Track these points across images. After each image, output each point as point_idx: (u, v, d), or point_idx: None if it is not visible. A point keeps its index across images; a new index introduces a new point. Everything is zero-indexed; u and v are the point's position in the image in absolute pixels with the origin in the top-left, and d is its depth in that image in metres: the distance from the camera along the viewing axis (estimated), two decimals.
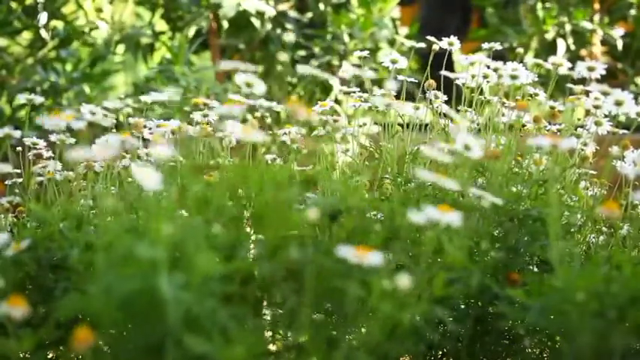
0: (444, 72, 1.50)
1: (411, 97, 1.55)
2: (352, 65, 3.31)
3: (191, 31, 3.33)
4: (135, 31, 3.35)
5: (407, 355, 1.30)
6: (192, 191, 1.14)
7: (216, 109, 1.22)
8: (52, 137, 1.46)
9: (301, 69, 1.26)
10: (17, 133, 1.43)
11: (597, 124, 1.46)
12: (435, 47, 1.54)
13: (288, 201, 1.13)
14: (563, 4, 3.58)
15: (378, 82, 3.03)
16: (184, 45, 3.02)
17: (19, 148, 1.52)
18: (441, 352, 1.36)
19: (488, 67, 1.48)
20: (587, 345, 1.08)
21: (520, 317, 1.23)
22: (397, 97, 1.53)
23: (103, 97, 3.27)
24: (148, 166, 1.05)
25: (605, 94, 1.33)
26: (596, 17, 3.62)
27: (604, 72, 1.38)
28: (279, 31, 3.35)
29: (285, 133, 1.54)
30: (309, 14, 3.45)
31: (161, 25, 3.47)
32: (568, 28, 3.53)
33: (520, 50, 1.72)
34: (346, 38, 3.34)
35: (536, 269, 1.34)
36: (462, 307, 1.31)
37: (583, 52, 3.55)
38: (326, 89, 3.23)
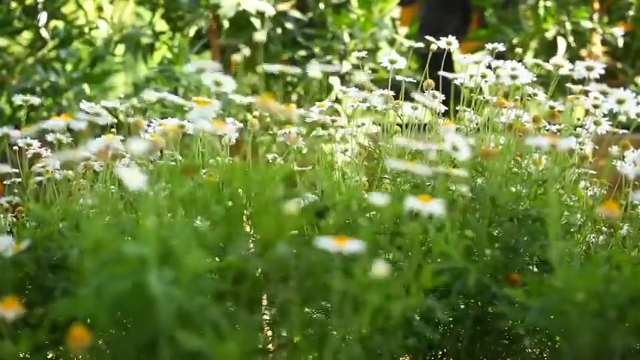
0: (442, 72, 1.50)
1: (410, 97, 1.54)
2: (352, 65, 3.32)
3: (191, 31, 3.33)
4: (135, 31, 3.36)
5: (406, 355, 1.30)
6: (179, 191, 1.14)
7: (190, 112, 1.22)
8: (49, 137, 1.46)
9: (311, 70, 1.26)
10: (16, 133, 1.43)
11: (596, 123, 1.46)
12: (434, 47, 1.54)
13: (277, 199, 1.13)
14: (562, 3, 3.58)
15: (378, 83, 3.03)
16: (185, 45, 3.02)
17: (16, 147, 1.52)
18: (441, 352, 1.36)
19: (489, 67, 1.48)
20: (587, 345, 1.08)
21: (520, 317, 1.23)
22: (396, 97, 1.53)
23: (103, 97, 3.27)
24: (135, 166, 1.05)
25: (604, 93, 1.33)
26: (596, 17, 3.62)
27: (603, 71, 1.38)
28: (279, 30, 3.35)
29: (284, 133, 1.54)
30: (310, 14, 3.46)
31: (161, 25, 3.47)
32: (568, 27, 3.53)
33: (519, 50, 1.72)
34: (346, 38, 3.34)
35: (536, 269, 1.34)
36: (462, 307, 1.31)
37: (583, 51, 3.56)
38: (326, 89, 3.23)
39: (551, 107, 1.52)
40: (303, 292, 1.07)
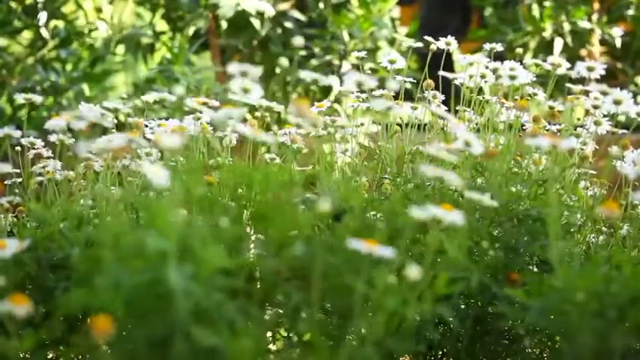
0: (442, 72, 1.50)
1: (410, 97, 1.55)
2: (352, 65, 3.32)
3: (191, 31, 3.33)
4: (135, 31, 3.35)
5: (407, 355, 1.30)
6: (196, 190, 1.14)
7: (216, 113, 1.22)
8: (52, 137, 1.46)
9: (303, 74, 1.26)
10: (17, 133, 1.43)
11: (596, 123, 1.46)
12: (434, 47, 1.54)
13: (292, 200, 1.13)
14: (560, 3, 3.58)
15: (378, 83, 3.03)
16: (184, 45, 3.02)
17: (18, 148, 1.52)
18: (441, 352, 1.36)
19: (487, 67, 1.48)
20: (587, 345, 1.09)
21: (520, 317, 1.23)
22: (396, 97, 1.53)
23: (103, 97, 3.27)
24: (156, 164, 1.05)
25: (604, 93, 1.33)
26: (595, 17, 3.62)
27: (603, 72, 1.38)
28: (279, 30, 3.35)
29: (285, 133, 1.54)
30: (309, 14, 3.45)
31: (161, 25, 3.47)
32: (566, 27, 3.53)
33: (519, 50, 1.72)
34: (346, 38, 3.34)
35: (536, 269, 1.34)
36: (462, 307, 1.31)
37: (582, 51, 3.56)
38: (326, 89, 3.23)
39: (551, 107, 1.52)
40: (318, 293, 1.08)
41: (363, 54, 1.59)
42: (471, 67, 1.50)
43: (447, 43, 1.55)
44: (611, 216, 1.15)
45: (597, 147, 1.53)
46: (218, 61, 3.38)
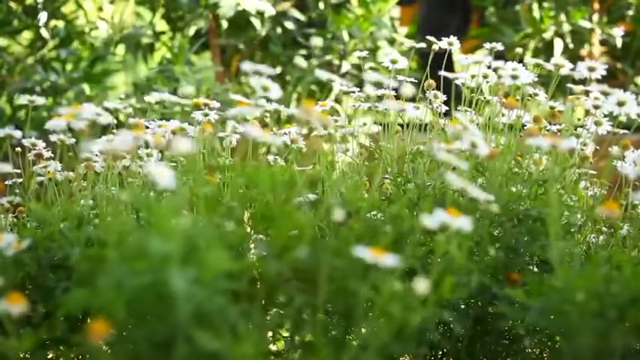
0: (443, 72, 1.50)
1: (410, 97, 1.54)
2: (352, 65, 3.32)
3: (191, 31, 3.33)
4: (135, 30, 3.35)
5: (407, 355, 1.30)
6: (202, 191, 1.14)
7: (229, 111, 1.22)
8: (52, 137, 1.46)
9: (319, 74, 1.26)
10: (18, 133, 1.43)
11: (597, 123, 1.46)
12: (435, 47, 1.54)
13: (296, 202, 1.13)
14: (560, 3, 3.57)
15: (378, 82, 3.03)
16: (184, 45, 3.02)
17: (18, 149, 1.52)
18: (441, 352, 1.36)
19: (489, 66, 1.48)
20: (587, 345, 1.09)
21: (520, 317, 1.23)
22: (397, 97, 1.53)
23: (103, 97, 3.27)
24: (162, 165, 1.05)
25: (605, 94, 1.33)
26: (595, 17, 3.62)
27: (604, 72, 1.38)
28: (279, 30, 3.35)
29: (285, 133, 1.54)
30: (309, 14, 3.45)
31: (161, 25, 3.47)
32: (566, 27, 3.53)
33: (519, 50, 1.72)
34: (346, 38, 3.34)
35: (536, 269, 1.34)
36: (462, 307, 1.31)
37: (583, 52, 3.55)
38: (326, 89, 3.23)
39: (552, 107, 1.52)
40: (322, 296, 1.07)
41: (364, 54, 1.59)
42: (472, 67, 1.50)
43: (450, 43, 1.55)
44: (612, 216, 1.15)
45: (598, 147, 1.53)
46: (218, 61, 3.38)
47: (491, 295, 1.26)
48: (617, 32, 3.53)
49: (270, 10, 3.21)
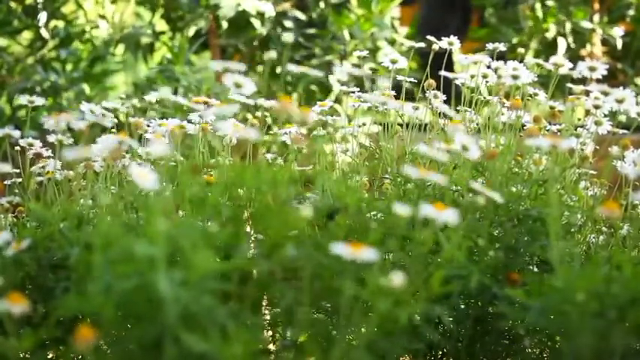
0: (443, 72, 1.50)
1: (410, 97, 1.55)
2: (352, 65, 3.31)
3: (191, 32, 3.33)
4: (135, 30, 3.35)
5: (407, 355, 1.30)
6: (189, 191, 1.14)
7: (208, 110, 1.23)
8: (51, 138, 1.46)
9: (291, 67, 1.26)
10: (17, 133, 1.43)
11: (597, 123, 1.46)
12: (435, 47, 1.54)
13: (286, 200, 1.13)
14: (562, 3, 3.57)
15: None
16: (184, 45, 3.02)
17: (17, 148, 1.52)
18: (441, 352, 1.36)
19: (489, 67, 1.48)
20: (587, 345, 1.08)
21: (520, 317, 1.23)
22: (397, 97, 1.53)
23: (103, 97, 3.27)
24: (146, 166, 1.05)
25: (605, 93, 1.33)
26: (596, 17, 3.62)
27: (605, 72, 1.38)
28: (279, 31, 3.35)
29: (285, 133, 1.54)
30: (310, 14, 3.45)
31: (161, 25, 3.47)
32: (568, 27, 3.53)
33: (520, 50, 1.72)
34: (346, 38, 3.34)
35: (536, 269, 1.34)
36: (462, 307, 1.31)
37: (583, 52, 3.55)
38: (326, 89, 3.23)
39: (552, 107, 1.52)
40: (310, 294, 1.07)
41: (365, 53, 1.59)
42: (472, 67, 1.50)
43: (450, 42, 1.55)
44: (612, 216, 1.15)
45: (598, 147, 1.52)
46: (219, 61, 3.38)
47: (491, 295, 1.26)
48: (617, 32, 3.53)
49: (270, 11, 3.21)
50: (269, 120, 1.59)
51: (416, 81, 1.58)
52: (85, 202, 1.36)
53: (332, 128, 1.51)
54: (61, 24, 3.25)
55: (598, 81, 1.37)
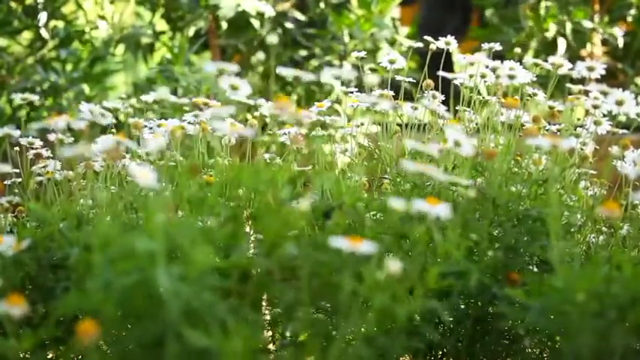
0: (441, 72, 1.50)
1: (410, 97, 1.55)
2: (352, 65, 3.31)
3: (191, 32, 3.33)
4: (135, 30, 3.35)
5: (407, 355, 1.30)
6: (187, 191, 1.14)
7: (206, 111, 1.23)
8: (50, 137, 1.46)
9: (280, 70, 1.26)
10: (16, 133, 1.43)
11: (597, 123, 1.46)
12: (433, 47, 1.54)
13: (284, 199, 1.13)
14: (563, 3, 3.57)
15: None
16: (184, 45, 3.02)
17: (17, 148, 1.52)
18: (441, 352, 1.36)
19: (487, 66, 1.48)
20: (587, 345, 1.09)
21: (520, 317, 1.23)
22: (396, 97, 1.53)
23: (103, 97, 3.27)
24: (145, 165, 1.06)
25: (604, 93, 1.33)
26: (596, 17, 3.62)
27: (604, 72, 1.38)
28: (279, 31, 3.35)
29: (284, 133, 1.54)
30: (310, 14, 3.45)
31: (161, 24, 3.47)
32: (568, 27, 3.53)
33: (519, 50, 1.72)
34: (346, 38, 3.34)
35: (536, 269, 1.34)
36: (462, 307, 1.31)
37: (583, 52, 3.55)
38: (326, 89, 3.23)
39: (551, 107, 1.52)
40: (309, 292, 1.08)
41: (362, 54, 1.59)
42: (470, 67, 1.50)
43: (447, 42, 1.55)
44: (612, 216, 1.15)
45: (597, 147, 1.52)
46: (218, 62, 3.38)
47: (491, 295, 1.26)
48: (618, 32, 3.53)
49: (270, 12, 3.21)
50: (268, 120, 1.59)
51: (415, 81, 1.58)
52: (85, 202, 1.36)
53: (331, 128, 1.51)
54: (61, 24, 3.25)
55: (597, 81, 1.37)
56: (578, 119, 1.53)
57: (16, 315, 0.99)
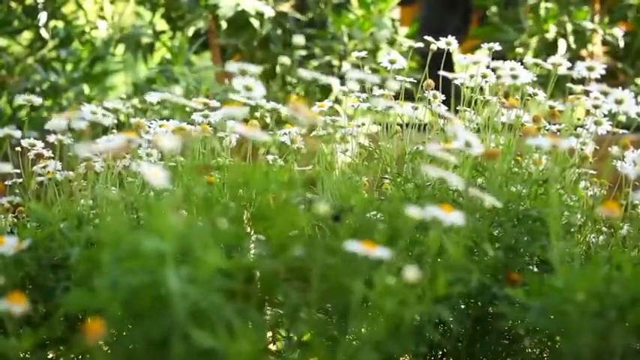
0: (442, 72, 1.50)
1: (410, 97, 1.55)
2: (352, 65, 3.31)
3: (191, 31, 3.33)
4: (135, 30, 3.35)
5: (407, 355, 1.30)
6: (197, 191, 1.14)
7: (218, 110, 1.23)
8: (51, 138, 1.46)
9: (303, 72, 1.26)
10: (17, 133, 1.43)
11: (597, 123, 1.46)
12: (434, 47, 1.54)
13: (293, 201, 1.13)
14: (563, 4, 3.57)
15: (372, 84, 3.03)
16: (184, 45, 3.02)
17: (18, 148, 1.52)
18: (441, 352, 1.36)
19: (488, 66, 1.48)
20: (587, 345, 1.09)
21: (520, 317, 1.23)
22: (396, 97, 1.53)
23: (103, 97, 3.27)
24: (155, 165, 1.05)
25: (604, 93, 1.33)
26: (597, 17, 3.62)
27: (604, 72, 1.38)
28: (279, 31, 3.35)
29: (285, 133, 1.54)
30: (309, 14, 3.45)
31: (161, 24, 3.47)
32: (569, 27, 3.53)
33: (520, 50, 1.72)
34: (346, 38, 3.34)
35: (536, 269, 1.34)
36: (462, 307, 1.31)
37: (583, 52, 3.56)
38: (326, 89, 3.23)
39: (551, 107, 1.52)
40: (317, 294, 1.08)
41: (363, 54, 1.59)
42: (471, 67, 1.50)
43: (448, 42, 1.55)
44: (611, 216, 1.15)
45: (597, 147, 1.53)
46: (218, 61, 3.38)
47: (491, 295, 1.27)
48: (618, 32, 3.53)
49: (269, 12, 3.21)
50: (268, 120, 1.59)
51: (415, 81, 1.58)
52: (86, 203, 1.36)
53: (332, 129, 1.51)
54: (61, 24, 3.25)
55: (598, 81, 1.37)
56: (579, 119, 1.53)
57: (17, 313, 0.99)
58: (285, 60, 1.38)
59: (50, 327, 1.13)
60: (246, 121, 1.43)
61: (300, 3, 3.48)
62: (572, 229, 1.35)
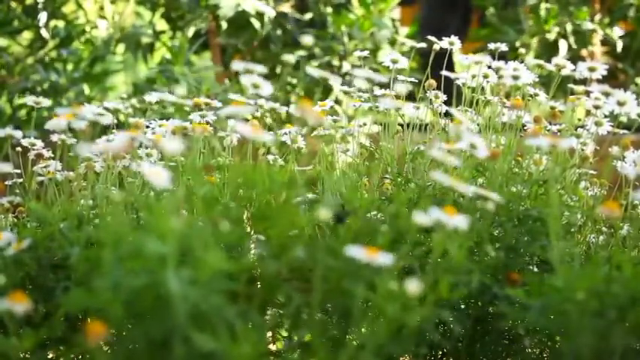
0: (444, 72, 1.50)
1: (411, 97, 1.55)
2: (353, 66, 3.32)
3: (191, 31, 3.33)
4: (135, 30, 3.35)
5: (407, 355, 1.30)
6: (199, 191, 1.14)
7: (223, 109, 1.22)
8: (53, 137, 1.46)
9: (310, 70, 1.26)
10: (18, 133, 1.43)
11: (598, 124, 1.46)
12: (436, 47, 1.54)
13: (295, 201, 1.13)
14: (563, 4, 3.57)
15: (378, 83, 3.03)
16: (184, 45, 3.02)
17: (18, 148, 1.52)
18: (441, 352, 1.36)
19: (489, 67, 1.48)
20: (587, 345, 1.09)
21: (520, 317, 1.23)
22: (396, 97, 1.53)
23: (103, 97, 3.27)
24: (157, 165, 1.05)
25: (605, 94, 1.33)
26: (597, 17, 3.62)
27: (605, 72, 1.38)
28: (279, 31, 3.35)
29: (285, 133, 1.54)
30: (310, 14, 3.45)
31: (161, 24, 3.47)
32: (569, 28, 3.53)
33: (521, 50, 1.73)
34: (346, 39, 3.34)
35: (536, 269, 1.34)
36: (462, 307, 1.31)
37: (584, 52, 3.56)
38: (326, 89, 3.23)
39: (552, 107, 1.52)
40: (319, 296, 1.07)
41: (365, 53, 1.59)
42: (473, 67, 1.50)
43: (451, 42, 1.55)
44: (612, 216, 1.15)
45: (598, 147, 1.53)
46: (218, 61, 3.38)
47: (492, 295, 1.27)
48: (618, 32, 3.53)
49: (270, 12, 3.21)
50: (268, 120, 1.59)
51: (416, 81, 1.58)
52: (86, 203, 1.36)
53: (332, 129, 1.51)
54: (61, 24, 3.25)
55: (599, 81, 1.37)
56: (579, 120, 1.53)
57: (19, 312, 0.99)
58: (289, 58, 1.38)
59: (50, 327, 1.13)
60: (246, 120, 1.43)
61: (300, 3, 3.48)
62: (573, 229, 1.35)
